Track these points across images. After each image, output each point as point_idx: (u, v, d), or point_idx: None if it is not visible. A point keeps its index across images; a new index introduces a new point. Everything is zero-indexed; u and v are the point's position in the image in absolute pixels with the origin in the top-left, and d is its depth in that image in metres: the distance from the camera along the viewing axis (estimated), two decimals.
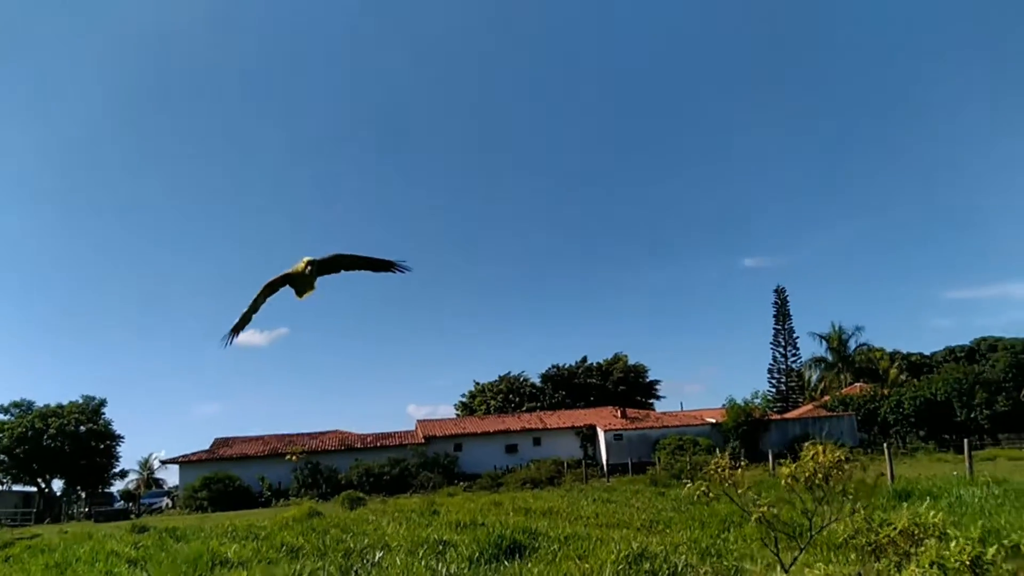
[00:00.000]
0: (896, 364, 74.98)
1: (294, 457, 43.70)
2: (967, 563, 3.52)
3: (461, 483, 41.37)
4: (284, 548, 13.39)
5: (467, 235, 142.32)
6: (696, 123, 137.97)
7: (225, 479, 43.40)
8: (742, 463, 6.82)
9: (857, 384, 66.51)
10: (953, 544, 3.80)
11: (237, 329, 6.96)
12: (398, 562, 11.00)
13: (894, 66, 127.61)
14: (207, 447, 50.55)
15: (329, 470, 45.13)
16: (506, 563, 10.58)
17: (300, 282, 6.81)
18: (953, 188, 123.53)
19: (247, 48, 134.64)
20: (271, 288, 6.84)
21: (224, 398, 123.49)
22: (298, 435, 52.53)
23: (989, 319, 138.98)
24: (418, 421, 56.85)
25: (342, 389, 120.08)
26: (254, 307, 6.88)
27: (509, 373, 75.95)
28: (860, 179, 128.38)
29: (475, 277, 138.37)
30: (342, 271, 6.98)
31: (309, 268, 6.57)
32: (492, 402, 73.03)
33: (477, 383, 77.42)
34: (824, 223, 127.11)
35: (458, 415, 72.75)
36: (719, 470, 5.85)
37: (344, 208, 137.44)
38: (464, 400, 77.63)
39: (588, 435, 53.04)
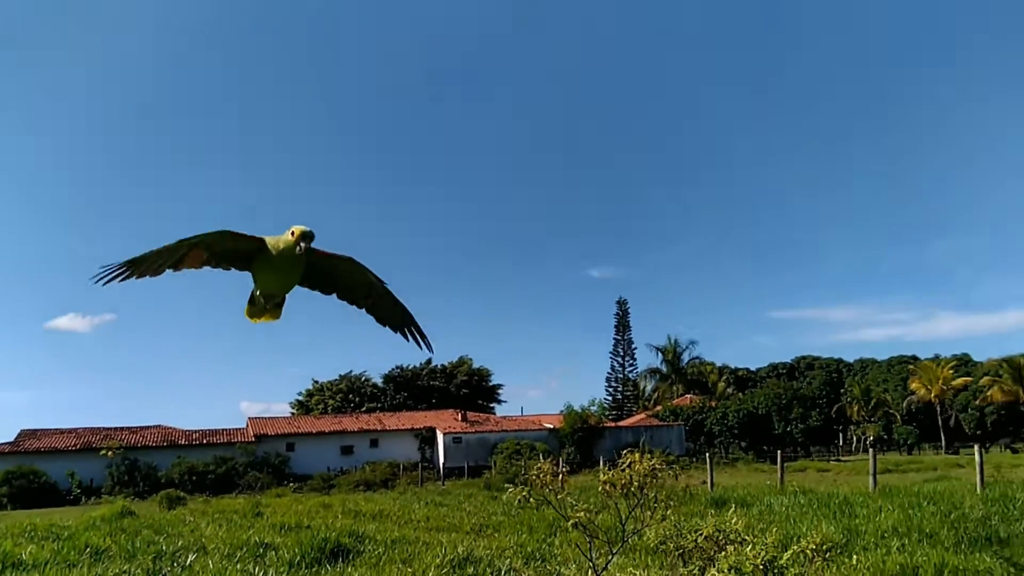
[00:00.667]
0: (724, 378, 79.65)
1: (110, 452, 41.05)
2: (760, 566, 3.68)
3: (291, 484, 40.09)
4: (88, 550, 12.36)
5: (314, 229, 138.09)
6: (558, 131, 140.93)
7: (30, 474, 40.02)
8: (564, 469, 6.85)
9: (688, 395, 69.96)
10: (749, 548, 3.94)
11: (134, 267, 3.44)
12: (211, 566, 10.38)
13: (732, 89, 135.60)
14: (11, 439, 46.53)
15: (148, 467, 42.74)
16: (328, 567, 10.25)
17: (271, 269, 3.63)
18: (781, 218, 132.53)
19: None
20: (220, 242, 3.53)
21: (34, 387, 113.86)
22: (116, 429, 49.09)
23: (810, 339, 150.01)
24: (249, 419, 54.65)
25: (170, 383, 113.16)
26: (173, 255, 3.49)
27: (351, 372, 74.71)
28: (705, 200, 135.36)
29: None
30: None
31: (301, 246, 3.43)
32: (331, 401, 71.49)
33: (316, 382, 75.63)
34: (670, 238, 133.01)
35: (293, 414, 70.65)
36: (540, 475, 5.83)
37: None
38: (301, 399, 75.57)
39: (427, 437, 52.82)
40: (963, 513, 11.49)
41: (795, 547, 4.10)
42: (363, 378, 74.56)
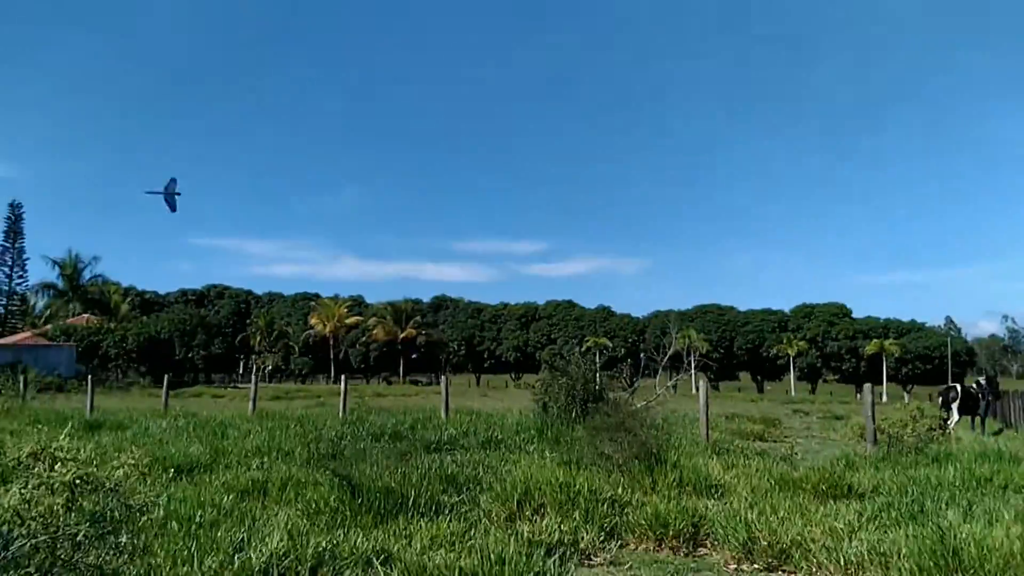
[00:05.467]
0: (129, 300, 75.34)
1: None
2: (67, 482, 3.68)
3: None
4: None
5: None
6: None
7: None
8: None
9: (85, 315, 64.51)
10: (59, 465, 3.88)
11: None
12: None
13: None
14: None
15: None
16: None
17: None
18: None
19: None
20: None
21: None
22: None
23: (225, 268, 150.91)
24: None
25: None
26: None
27: None
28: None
29: None
30: None
31: None
32: None
33: None
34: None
35: None
36: None
37: None
38: None
39: None
40: (321, 434, 12.80)
41: (115, 463, 4.14)
42: None
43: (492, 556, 5.33)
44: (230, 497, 7.43)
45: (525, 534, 6.28)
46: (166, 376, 24.64)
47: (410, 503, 7.16)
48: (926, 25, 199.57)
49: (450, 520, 6.73)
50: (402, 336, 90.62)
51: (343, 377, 20.69)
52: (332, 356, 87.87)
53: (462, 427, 14.81)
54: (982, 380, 22.26)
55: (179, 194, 31.40)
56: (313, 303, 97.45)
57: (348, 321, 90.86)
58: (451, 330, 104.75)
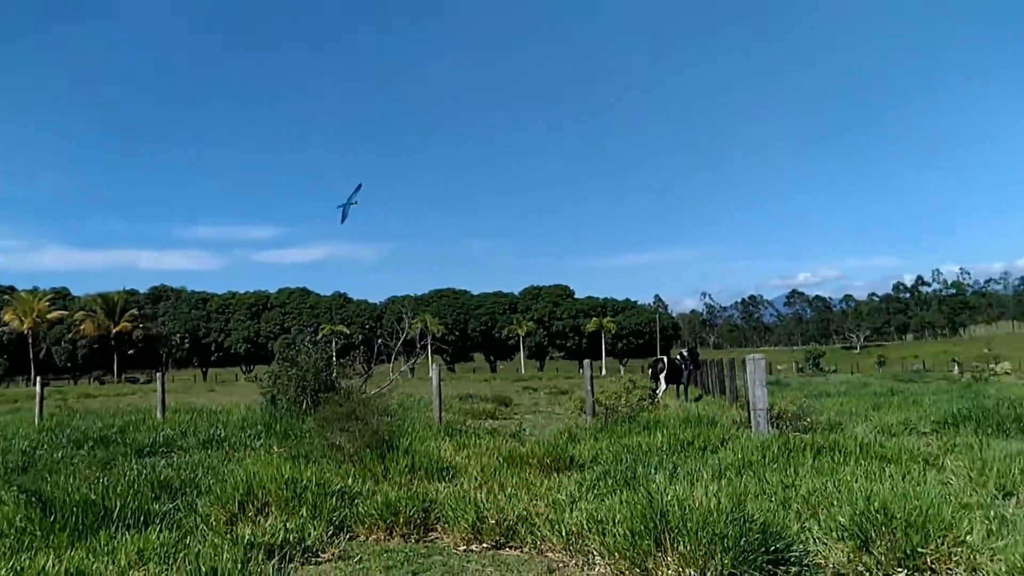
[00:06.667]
0: None
1: None
2: None
3: None
4: None
5: None
6: None
7: None
8: None
9: None
10: None
11: None
12: None
13: None
14: None
15: None
16: None
17: None
18: None
19: None
20: None
21: None
22: None
23: None
24: None
25: None
26: None
27: None
28: None
29: None
30: None
31: None
32: None
33: None
34: None
35: None
36: None
37: None
38: None
39: None
40: (10, 445, 11.30)
41: None
42: None
43: (203, 568, 4.89)
44: None
45: (247, 537, 5.85)
46: None
47: (115, 515, 6.41)
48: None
49: (160, 530, 6.11)
50: (116, 330, 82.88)
51: (38, 379, 18.39)
52: (32, 355, 78.31)
53: (181, 426, 13.74)
54: (684, 352, 24.71)
55: (356, 203, 26.77)
56: (7, 296, 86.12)
57: (50, 316, 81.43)
58: (173, 322, 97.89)
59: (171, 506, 7.12)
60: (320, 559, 5.93)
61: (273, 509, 6.77)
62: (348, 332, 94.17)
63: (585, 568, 5.39)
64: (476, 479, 7.76)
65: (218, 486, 7.59)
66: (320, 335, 68.07)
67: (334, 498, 6.99)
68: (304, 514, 6.55)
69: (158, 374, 18.32)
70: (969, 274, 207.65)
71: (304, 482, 7.25)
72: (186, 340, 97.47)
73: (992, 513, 5.84)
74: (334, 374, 15.16)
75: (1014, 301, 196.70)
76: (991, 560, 4.78)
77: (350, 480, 7.78)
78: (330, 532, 6.37)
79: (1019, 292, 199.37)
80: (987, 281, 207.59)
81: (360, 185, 27.57)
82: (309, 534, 6.17)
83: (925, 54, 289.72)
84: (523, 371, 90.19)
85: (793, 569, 4.96)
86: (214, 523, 6.54)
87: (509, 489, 7.08)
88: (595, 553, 5.37)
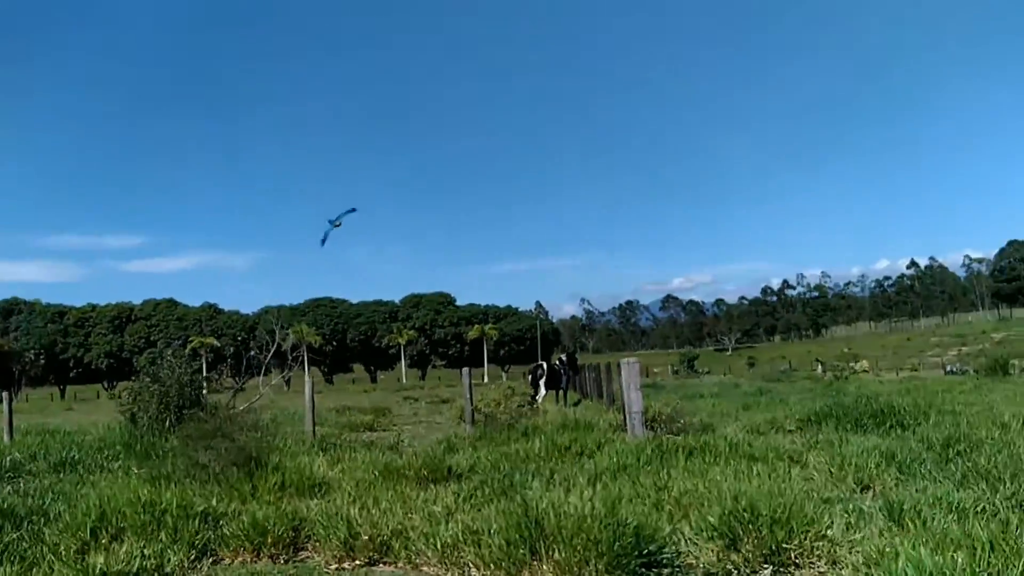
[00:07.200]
0: None
1: None
2: None
3: None
4: None
5: None
6: None
7: None
8: None
9: None
10: None
11: None
12: None
13: None
14: None
15: None
16: None
17: None
18: None
19: None
20: None
21: None
22: None
23: None
24: None
25: None
26: None
27: None
28: None
29: None
30: None
31: None
32: None
33: None
34: None
35: None
36: None
37: None
38: None
39: None
40: None
41: None
42: None
43: None
44: None
45: (99, 566, 5.42)
46: None
47: None
48: None
49: (1, 563, 5.59)
50: None
51: None
52: None
53: (30, 449, 12.75)
54: (563, 357, 25.03)
55: (339, 225, 24.05)
56: None
57: None
58: (26, 337, 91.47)
59: (15, 536, 6.53)
60: None
61: (129, 535, 6.31)
62: (219, 344, 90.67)
63: None
64: (350, 494, 7.50)
65: (68, 512, 7.02)
66: (189, 348, 65.26)
67: (197, 520, 6.59)
68: (164, 539, 6.14)
69: (4, 393, 16.95)
70: (830, 277, 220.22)
71: (164, 505, 6.80)
72: (41, 356, 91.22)
73: (851, 507, 6.10)
74: (202, 389, 14.45)
75: (870, 303, 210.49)
76: (850, 552, 4.95)
77: (215, 501, 7.36)
78: (192, 557, 6.00)
79: (875, 294, 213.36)
80: (846, 284, 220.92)
81: (354, 209, 26.42)
82: (168, 560, 5.78)
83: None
84: (404, 380, 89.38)
85: (665, 571, 5.01)
86: (63, 553, 6.02)
87: (384, 503, 6.88)
88: (471, 565, 5.26)
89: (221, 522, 6.73)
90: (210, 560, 6.10)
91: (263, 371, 17.88)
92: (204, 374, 16.76)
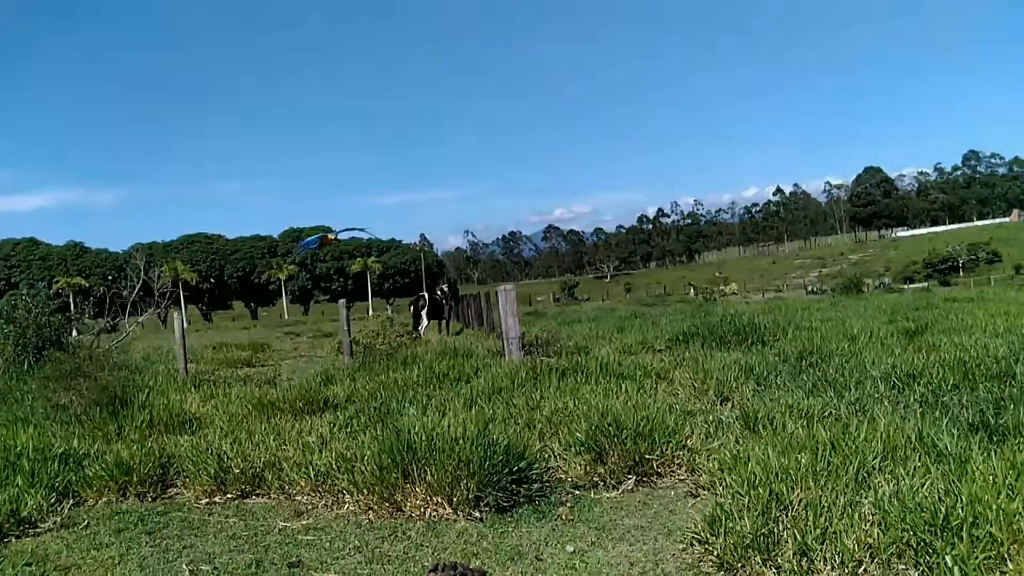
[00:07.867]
0: None
1: None
2: None
3: None
4: None
5: None
6: None
7: None
8: None
9: None
10: None
11: None
12: None
13: None
14: None
15: None
16: None
17: None
18: None
19: None
20: None
21: None
22: None
23: None
24: None
25: None
26: None
27: None
28: None
29: None
30: None
31: None
32: None
33: None
34: None
35: None
36: None
37: None
38: None
39: None
40: None
41: None
42: None
43: None
44: None
45: None
46: None
47: None
48: None
49: None
50: None
51: None
52: None
53: None
54: (445, 287, 25.09)
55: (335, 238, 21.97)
56: None
57: None
58: None
59: None
60: (38, 529, 5.36)
61: None
62: (87, 284, 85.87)
63: (334, 507, 5.29)
64: (222, 429, 7.36)
65: None
66: (54, 288, 61.64)
67: (56, 463, 6.33)
68: (20, 483, 5.87)
69: None
70: (703, 205, 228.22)
71: (19, 448, 6.50)
72: None
73: (711, 418, 6.46)
74: (64, 330, 13.72)
75: (739, 229, 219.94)
76: (708, 459, 5.25)
77: (76, 442, 7.08)
78: (52, 500, 5.77)
79: (744, 221, 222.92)
80: (718, 211, 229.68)
81: (363, 228, 25.18)
82: (25, 504, 5.54)
83: None
84: (287, 316, 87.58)
85: (535, 486, 5.19)
86: None
87: (257, 436, 6.78)
88: (344, 492, 5.28)
89: (84, 463, 6.49)
90: (72, 502, 5.88)
91: (132, 310, 17.11)
92: (68, 314, 15.89)
